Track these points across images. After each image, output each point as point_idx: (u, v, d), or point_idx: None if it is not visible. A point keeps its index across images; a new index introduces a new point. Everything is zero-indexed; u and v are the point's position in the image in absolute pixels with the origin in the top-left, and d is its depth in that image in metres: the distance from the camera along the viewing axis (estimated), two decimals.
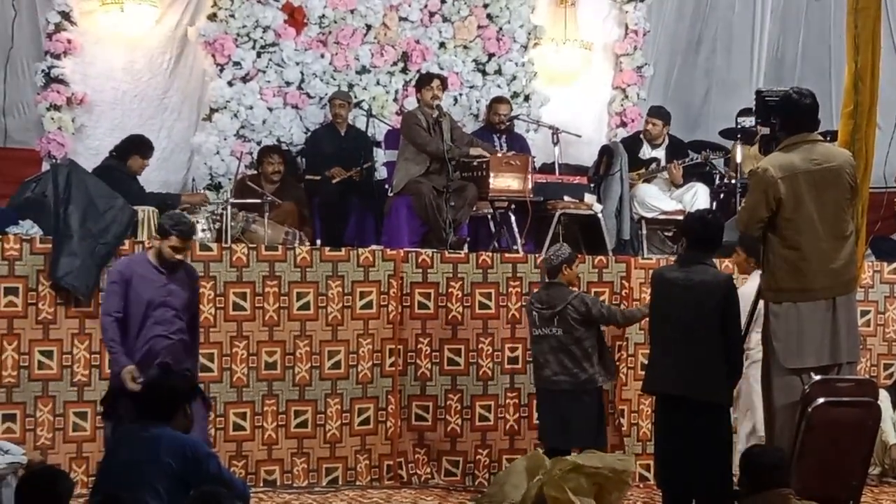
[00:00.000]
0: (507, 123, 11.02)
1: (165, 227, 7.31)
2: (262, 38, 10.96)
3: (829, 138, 7.84)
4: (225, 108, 10.84)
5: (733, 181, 10.39)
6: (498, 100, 11.20)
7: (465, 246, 9.83)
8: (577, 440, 7.73)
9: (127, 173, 9.59)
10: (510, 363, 8.96)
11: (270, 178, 10.21)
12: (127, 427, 6.67)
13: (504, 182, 9.74)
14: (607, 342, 8.20)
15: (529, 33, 11.80)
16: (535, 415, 8.42)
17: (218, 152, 10.78)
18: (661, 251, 10.53)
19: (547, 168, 10.74)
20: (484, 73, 11.70)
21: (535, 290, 8.21)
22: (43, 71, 10.42)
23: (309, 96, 11.13)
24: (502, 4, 11.68)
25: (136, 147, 9.83)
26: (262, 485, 8.45)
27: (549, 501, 6.94)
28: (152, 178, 10.59)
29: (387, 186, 10.39)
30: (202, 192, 10.28)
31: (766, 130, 7.77)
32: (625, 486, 7.46)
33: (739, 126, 10.62)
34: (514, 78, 11.74)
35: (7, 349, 8.08)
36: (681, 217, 9.50)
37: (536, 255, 9.14)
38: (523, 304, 8.61)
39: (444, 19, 11.57)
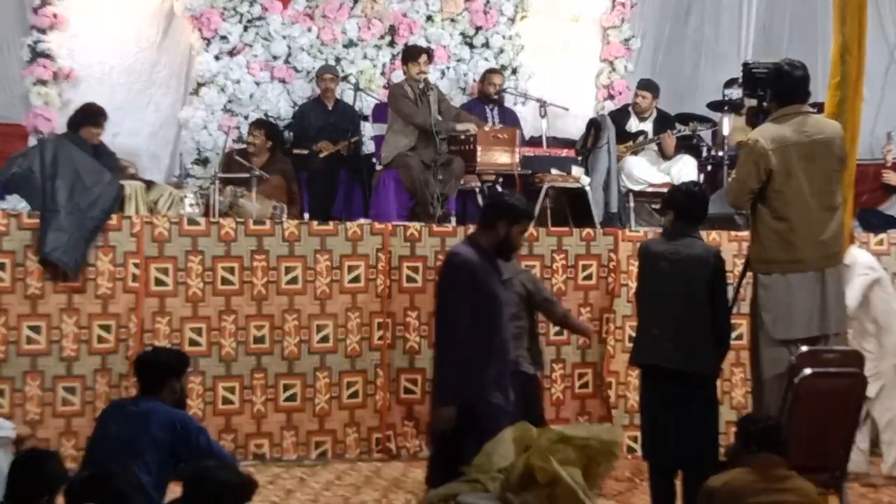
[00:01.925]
0: (497, 96, 11.01)
1: (519, 209, 6.09)
2: (248, 11, 10.92)
3: (816, 110, 7.84)
4: (212, 82, 10.81)
5: (720, 153, 10.40)
6: (492, 71, 11.21)
7: (453, 219, 9.84)
8: None
9: (82, 146, 9.43)
10: None
11: (247, 150, 10.20)
12: (117, 402, 6.69)
13: (492, 156, 9.75)
14: (594, 315, 8.12)
15: (516, 6, 11.75)
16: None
17: (205, 127, 10.76)
18: (649, 224, 10.52)
19: (534, 141, 10.74)
20: (471, 46, 11.66)
21: None
22: (29, 45, 10.39)
23: (296, 70, 11.10)
24: None
25: (86, 117, 9.47)
26: (251, 458, 8.45)
27: (536, 471, 6.92)
28: (141, 152, 10.59)
29: (374, 160, 10.38)
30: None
31: (752, 102, 7.76)
32: (612, 457, 7.40)
33: (726, 98, 10.62)
34: (502, 51, 11.70)
35: None
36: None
37: None
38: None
39: None
